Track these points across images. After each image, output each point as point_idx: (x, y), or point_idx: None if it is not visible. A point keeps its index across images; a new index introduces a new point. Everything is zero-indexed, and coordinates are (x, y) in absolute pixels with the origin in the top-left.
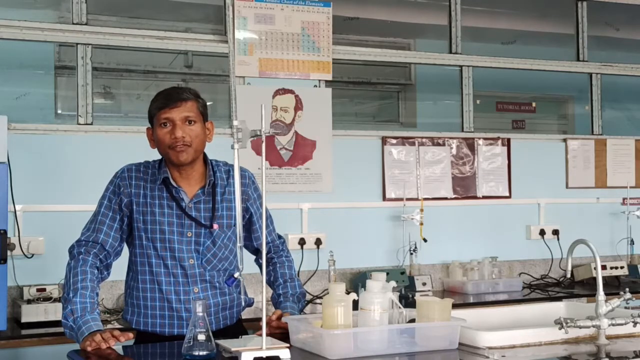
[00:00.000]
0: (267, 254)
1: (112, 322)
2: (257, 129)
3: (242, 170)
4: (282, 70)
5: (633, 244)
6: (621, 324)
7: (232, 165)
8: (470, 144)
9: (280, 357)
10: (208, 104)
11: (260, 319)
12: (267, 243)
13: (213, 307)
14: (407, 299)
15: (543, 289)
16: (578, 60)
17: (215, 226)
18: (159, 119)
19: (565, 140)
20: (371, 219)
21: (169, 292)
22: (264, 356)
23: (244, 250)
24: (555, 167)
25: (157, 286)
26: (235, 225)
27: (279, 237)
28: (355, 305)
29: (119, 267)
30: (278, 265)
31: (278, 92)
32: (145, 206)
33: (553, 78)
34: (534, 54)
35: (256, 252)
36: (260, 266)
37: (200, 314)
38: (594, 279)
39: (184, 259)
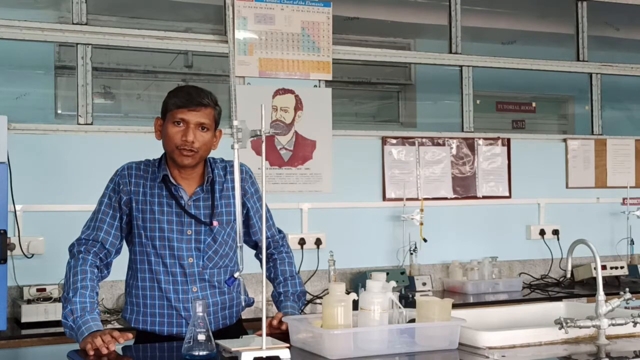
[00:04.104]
0: (266, 249)
1: (112, 322)
2: (257, 129)
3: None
4: (282, 70)
5: (633, 244)
6: (621, 324)
7: (229, 162)
8: (470, 144)
9: (280, 357)
10: None
11: (260, 319)
12: (267, 238)
13: (212, 307)
14: (407, 299)
15: (543, 289)
16: (578, 60)
17: (215, 223)
18: (174, 116)
19: (565, 140)
20: (371, 219)
21: (168, 290)
22: (264, 356)
23: (244, 249)
24: (555, 167)
25: (157, 284)
26: (234, 221)
27: (279, 231)
28: (355, 305)
29: (119, 267)
30: (278, 261)
31: (278, 92)
32: (144, 204)
33: (553, 78)
34: (534, 54)
35: (255, 246)
36: (260, 261)
37: (200, 314)
38: (594, 279)
39: (183, 257)
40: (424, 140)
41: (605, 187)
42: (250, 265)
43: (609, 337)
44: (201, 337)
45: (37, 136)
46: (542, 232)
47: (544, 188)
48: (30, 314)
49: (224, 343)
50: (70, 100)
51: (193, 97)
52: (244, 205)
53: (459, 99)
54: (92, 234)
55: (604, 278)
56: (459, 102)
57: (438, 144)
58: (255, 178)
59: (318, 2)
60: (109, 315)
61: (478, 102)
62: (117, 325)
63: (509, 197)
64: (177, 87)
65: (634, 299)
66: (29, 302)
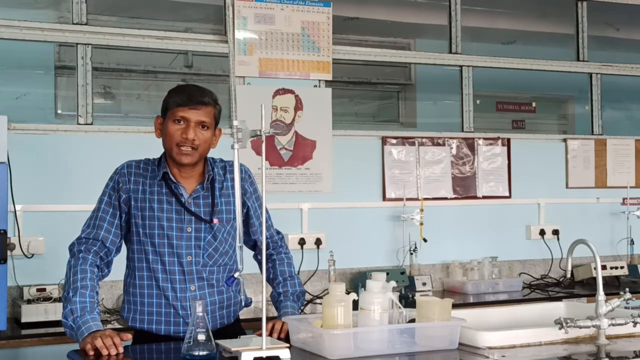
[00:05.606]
0: (265, 250)
1: (112, 322)
2: (257, 129)
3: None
4: (282, 70)
5: (633, 244)
6: (621, 324)
7: (228, 162)
8: (470, 144)
9: (280, 357)
10: None
11: (260, 319)
12: (266, 239)
13: (210, 306)
14: (407, 299)
15: (543, 289)
16: (578, 60)
17: (215, 220)
18: (174, 114)
19: (565, 140)
20: (371, 219)
21: (166, 288)
22: (264, 356)
23: (243, 249)
24: (555, 167)
25: (155, 283)
26: (234, 219)
27: (278, 232)
28: (355, 305)
29: (119, 267)
30: (277, 262)
31: (278, 92)
32: (144, 202)
33: (553, 78)
34: (534, 54)
35: (254, 247)
36: (259, 262)
37: (200, 314)
38: (594, 279)
39: (182, 255)
40: (424, 140)
41: (605, 187)
42: (249, 265)
43: (609, 337)
44: (201, 337)
45: (37, 136)
46: (542, 232)
47: (544, 188)
48: (30, 314)
49: (224, 343)
50: (70, 100)
51: (194, 95)
52: (243, 204)
53: (459, 99)
54: (92, 232)
55: (604, 278)
56: (459, 102)
57: (438, 144)
58: (255, 178)
59: (318, 2)
60: (109, 315)
61: (478, 102)
62: (117, 325)
63: (509, 197)
64: (178, 86)
65: (634, 299)
66: (29, 302)
